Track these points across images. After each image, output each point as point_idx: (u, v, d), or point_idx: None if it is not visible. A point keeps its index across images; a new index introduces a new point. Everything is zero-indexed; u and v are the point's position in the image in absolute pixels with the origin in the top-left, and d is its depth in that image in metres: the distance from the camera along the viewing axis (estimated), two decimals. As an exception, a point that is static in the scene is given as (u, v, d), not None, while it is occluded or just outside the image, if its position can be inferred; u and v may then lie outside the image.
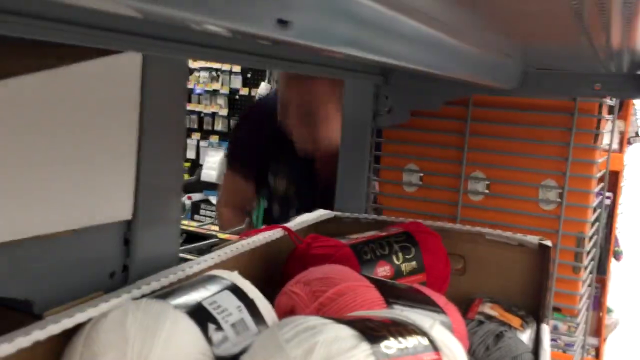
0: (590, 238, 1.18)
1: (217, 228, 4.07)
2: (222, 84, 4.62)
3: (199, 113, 4.70)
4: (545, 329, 0.90)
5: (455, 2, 0.54)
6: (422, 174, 1.26)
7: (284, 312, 0.69)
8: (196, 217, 4.38)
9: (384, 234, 0.93)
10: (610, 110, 1.20)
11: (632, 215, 3.31)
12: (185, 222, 4.20)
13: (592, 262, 1.24)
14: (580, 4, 0.52)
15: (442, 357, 0.55)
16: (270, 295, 0.68)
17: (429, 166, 1.25)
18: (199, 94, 4.69)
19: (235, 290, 0.62)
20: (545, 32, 0.72)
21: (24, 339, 0.47)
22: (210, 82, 4.67)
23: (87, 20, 0.51)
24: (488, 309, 0.91)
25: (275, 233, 0.90)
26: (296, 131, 1.44)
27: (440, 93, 1.17)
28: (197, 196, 4.44)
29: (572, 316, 1.17)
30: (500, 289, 0.99)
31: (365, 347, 0.50)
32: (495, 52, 0.87)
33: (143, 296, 0.60)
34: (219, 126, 4.65)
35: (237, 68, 4.52)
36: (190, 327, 0.54)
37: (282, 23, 0.35)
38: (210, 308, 0.57)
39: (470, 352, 0.80)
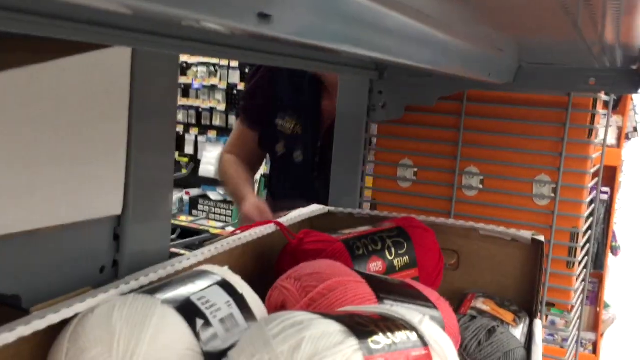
0: (585, 233, 1.18)
1: (210, 224, 4.08)
2: (220, 79, 4.60)
3: (197, 108, 4.69)
4: (538, 324, 0.90)
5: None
6: (416, 169, 1.26)
7: (275, 308, 0.69)
8: (194, 212, 4.37)
9: (376, 229, 0.92)
10: (606, 105, 1.20)
11: (630, 210, 3.30)
12: (183, 217, 4.20)
13: (586, 257, 1.24)
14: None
15: (431, 353, 0.54)
16: (263, 290, 0.67)
17: (423, 161, 1.25)
18: (197, 89, 4.67)
19: (225, 285, 0.62)
20: (536, 25, 0.72)
21: (9, 335, 0.47)
22: (208, 77, 4.65)
23: (76, 15, 0.51)
24: (481, 304, 0.91)
25: (267, 228, 0.90)
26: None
27: (435, 88, 1.17)
28: (195, 191, 4.43)
29: (567, 311, 1.17)
30: (493, 284, 0.99)
31: (352, 342, 0.50)
32: (488, 47, 0.87)
33: (132, 291, 0.60)
34: (217, 121, 4.63)
35: (235, 63, 4.50)
36: (177, 322, 0.53)
37: (264, 17, 0.34)
38: (198, 303, 0.57)
39: (462, 347, 0.80)
